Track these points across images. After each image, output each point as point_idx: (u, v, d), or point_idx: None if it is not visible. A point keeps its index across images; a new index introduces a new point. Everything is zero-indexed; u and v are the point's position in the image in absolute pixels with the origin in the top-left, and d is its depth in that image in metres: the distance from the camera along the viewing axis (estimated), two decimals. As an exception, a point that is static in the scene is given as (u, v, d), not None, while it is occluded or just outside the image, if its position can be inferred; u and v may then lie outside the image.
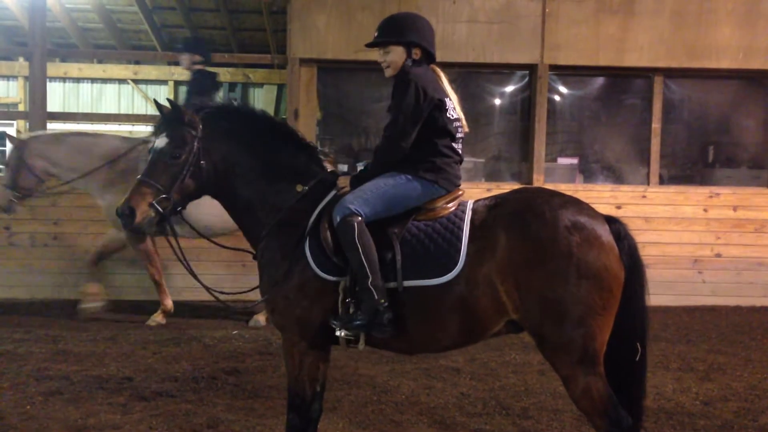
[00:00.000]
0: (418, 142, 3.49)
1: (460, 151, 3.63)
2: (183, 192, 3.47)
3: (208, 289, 3.67)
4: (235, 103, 3.75)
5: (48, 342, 6.39)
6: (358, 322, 3.25)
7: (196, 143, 3.47)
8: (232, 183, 3.57)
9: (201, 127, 3.52)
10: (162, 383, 5.20)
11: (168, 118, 3.53)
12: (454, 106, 3.59)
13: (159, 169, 3.44)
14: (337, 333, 3.32)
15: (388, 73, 3.61)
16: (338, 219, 3.33)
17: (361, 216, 3.33)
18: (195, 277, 3.66)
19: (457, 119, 3.60)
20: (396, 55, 3.56)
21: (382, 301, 3.24)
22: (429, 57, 3.63)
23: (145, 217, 3.39)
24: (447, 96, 3.57)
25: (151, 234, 3.53)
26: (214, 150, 3.53)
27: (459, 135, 3.61)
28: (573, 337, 3.09)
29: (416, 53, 3.57)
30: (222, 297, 3.70)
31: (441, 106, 3.49)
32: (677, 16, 8.82)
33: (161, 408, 4.68)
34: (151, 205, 3.38)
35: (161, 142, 3.49)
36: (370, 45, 3.64)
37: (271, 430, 4.33)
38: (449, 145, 3.55)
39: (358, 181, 3.54)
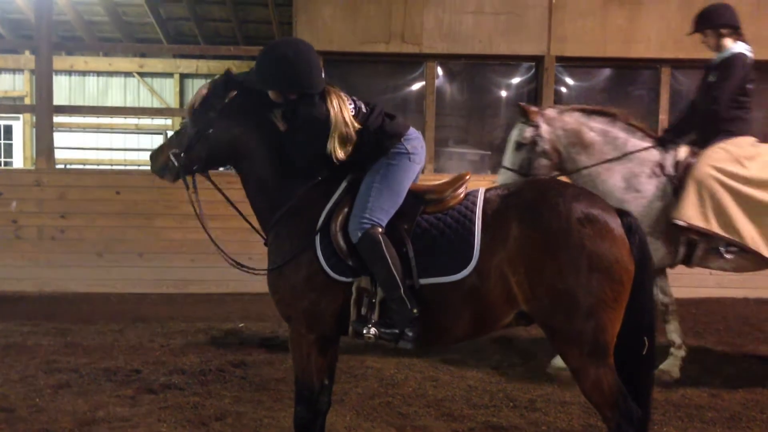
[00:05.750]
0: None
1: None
2: (193, 154, 3.53)
3: (221, 250, 3.65)
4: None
5: (56, 335, 6.42)
6: (390, 331, 3.25)
7: (210, 112, 3.49)
8: (251, 161, 3.52)
9: (227, 99, 3.52)
10: (170, 376, 5.21)
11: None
12: None
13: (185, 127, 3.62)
14: (365, 332, 3.28)
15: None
16: (359, 234, 3.24)
17: (380, 226, 3.26)
18: (210, 236, 3.65)
19: None
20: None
21: (414, 311, 3.22)
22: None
23: (163, 165, 3.60)
24: None
25: (170, 181, 3.68)
26: (233, 124, 3.50)
27: None
28: (584, 329, 3.08)
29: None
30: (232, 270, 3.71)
31: None
32: (685, 7, 8.74)
33: (169, 400, 4.70)
34: (168, 157, 3.56)
35: None
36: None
37: (278, 422, 4.33)
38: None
39: None
